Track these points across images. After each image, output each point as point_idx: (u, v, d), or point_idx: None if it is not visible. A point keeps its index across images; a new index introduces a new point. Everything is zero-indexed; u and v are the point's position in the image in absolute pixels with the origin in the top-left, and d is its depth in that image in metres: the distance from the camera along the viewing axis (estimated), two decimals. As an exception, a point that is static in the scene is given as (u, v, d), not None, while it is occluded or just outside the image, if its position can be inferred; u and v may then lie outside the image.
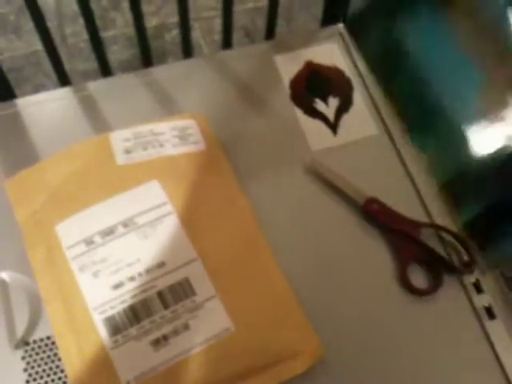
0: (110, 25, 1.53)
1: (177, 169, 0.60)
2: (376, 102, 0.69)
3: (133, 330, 0.52)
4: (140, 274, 0.54)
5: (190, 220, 0.57)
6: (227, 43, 0.84)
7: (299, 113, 0.68)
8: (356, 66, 0.71)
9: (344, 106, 0.68)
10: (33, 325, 0.55)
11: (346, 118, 0.67)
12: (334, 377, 0.55)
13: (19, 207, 0.59)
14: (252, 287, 0.56)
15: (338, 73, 0.70)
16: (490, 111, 0.32)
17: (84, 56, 1.42)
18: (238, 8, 1.52)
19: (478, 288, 0.58)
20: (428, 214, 0.62)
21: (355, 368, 0.56)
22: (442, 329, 0.57)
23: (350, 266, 0.60)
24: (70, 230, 0.56)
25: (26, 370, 0.53)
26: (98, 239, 0.55)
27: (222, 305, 0.54)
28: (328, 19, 0.79)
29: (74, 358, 0.52)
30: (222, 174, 0.62)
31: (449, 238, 0.60)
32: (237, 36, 1.38)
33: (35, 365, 0.53)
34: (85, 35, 0.78)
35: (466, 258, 0.59)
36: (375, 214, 0.61)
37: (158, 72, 0.70)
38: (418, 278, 0.59)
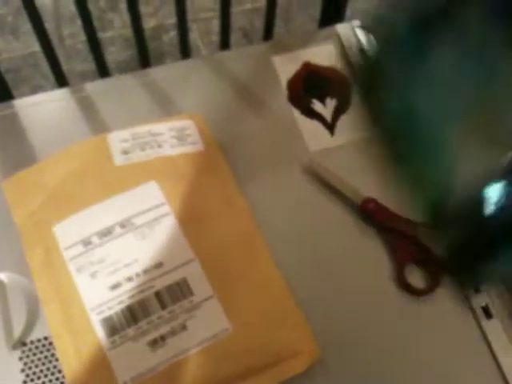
0: (107, 26, 1.53)
1: (175, 169, 0.60)
2: (373, 103, 0.69)
3: (130, 331, 0.52)
4: (138, 275, 0.54)
5: (187, 220, 0.57)
6: (225, 44, 0.84)
7: (297, 113, 0.68)
8: (354, 67, 0.71)
9: (341, 107, 0.68)
10: (30, 325, 0.55)
11: (343, 119, 0.67)
12: (333, 377, 0.55)
13: (17, 208, 0.59)
14: (250, 287, 0.56)
15: (335, 74, 0.70)
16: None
17: (82, 57, 1.42)
18: (235, 9, 1.52)
19: (475, 288, 0.58)
20: (425, 214, 0.62)
21: (353, 368, 0.56)
22: (440, 329, 0.58)
23: (348, 266, 0.60)
24: (68, 231, 0.56)
25: (23, 370, 0.53)
26: (95, 240, 0.55)
27: (220, 305, 0.54)
28: (326, 20, 0.79)
29: (71, 358, 0.52)
30: (219, 174, 0.62)
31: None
32: (235, 37, 1.38)
33: (32, 365, 0.53)
34: (82, 36, 0.78)
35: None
36: (372, 214, 0.61)
37: (156, 73, 0.70)
38: (416, 278, 0.59)
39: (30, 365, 0.53)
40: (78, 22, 0.76)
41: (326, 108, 0.68)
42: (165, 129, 0.62)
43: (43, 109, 0.67)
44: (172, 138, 0.62)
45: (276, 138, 0.66)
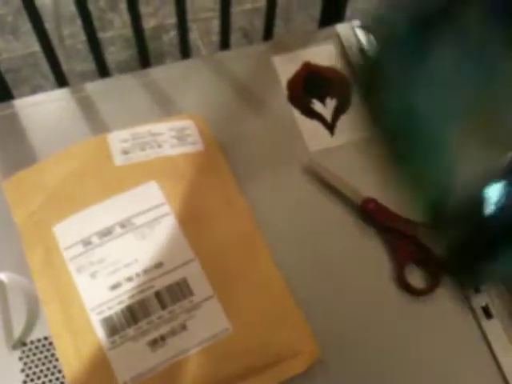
0: (107, 26, 1.53)
1: (175, 169, 0.60)
2: (373, 103, 0.69)
3: (130, 331, 0.52)
4: (138, 275, 0.54)
5: (187, 220, 0.57)
6: (225, 44, 0.84)
7: (297, 113, 0.68)
8: (353, 67, 0.71)
9: (341, 107, 0.68)
10: (30, 325, 0.55)
11: (343, 119, 0.67)
12: (333, 377, 0.55)
13: (17, 208, 0.59)
14: (250, 287, 0.56)
15: (335, 74, 0.70)
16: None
17: (82, 57, 1.42)
18: (235, 9, 1.52)
19: (475, 288, 0.59)
20: (425, 214, 0.62)
21: (353, 368, 0.56)
22: (440, 329, 0.57)
23: (348, 266, 0.60)
24: (68, 231, 0.56)
25: (23, 370, 0.53)
26: (95, 240, 0.55)
27: (220, 305, 0.54)
28: (326, 20, 0.79)
29: (71, 358, 0.52)
30: (219, 174, 0.62)
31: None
32: (235, 37, 1.38)
33: (32, 365, 0.53)
34: (82, 36, 0.78)
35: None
36: (372, 214, 0.61)
37: (156, 73, 0.70)
38: (416, 278, 0.59)
39: (30, 365, 0.53)
40: (78, 21, 0.76)
41: (326, 108, 0.68)
42: (165, 129, 0.62)
43: (43, 109, 0.67)
44: (172, 138, 0.62)
45: (276, 137, 0.66)
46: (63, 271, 0.54)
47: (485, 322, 0.57)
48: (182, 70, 0.70)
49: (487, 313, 0.58)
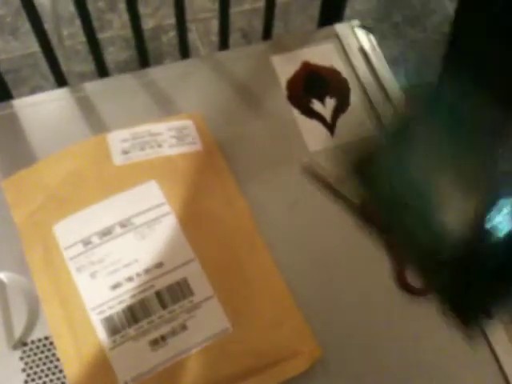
0: (106, 26, 1.53)
1: (174, 169, 0.60)
2: (373, 103, 0.69)
3: (131, 331, 0.52)
4: (138, 275, 0.54)
5: (187, 220, 0.57)
6: (224, 45, 0.84)
7: (296, 113, 0.68)
8: (353, 67, 0.71)
9: (341, 107, 0.68)
10: (31, 325, 0.55)
11: (343, 119, 0.68)
12: (333, 377, 0.55)
13: (17, 208, 0.59)
14: (249, 288, 0.56)
15: (334, 73, 0.71)
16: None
17: (81, 57, 1.42)
18: (234, 9, 1.52)
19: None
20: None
21: (354, 368, 0.56)
22: (440, 328, 0.57)
23: (348, 266, 0.60)
24: (68, 231, 0.56)
25: (24, 370, 0.53)
26: (95, 240, 0.55)
27: (220, 305, 0.54)
28: (325, 20, 0.79)
29: (72, 358, 0.52)
30: (219, 174, 0.62)
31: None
32: (234, 37, 1.38)
33: (33, 365, 0.53)
34: (82, 37, 0.78)
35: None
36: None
37: (155, 73, 0.70)
38: (416, 278, 0.59)
39: (30, 364, 0.53)
40: (77, 22, 0.76)
41: (325, 108, 0.68)
42: (164, 129, 0.62)
43: (43, 109, 0.67)
44: (171, 137, 0.62)
45: (275, 137, 0.66)
46: (63, 271, 0.54)
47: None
48: (181, 70, 0.70)
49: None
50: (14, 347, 0.54)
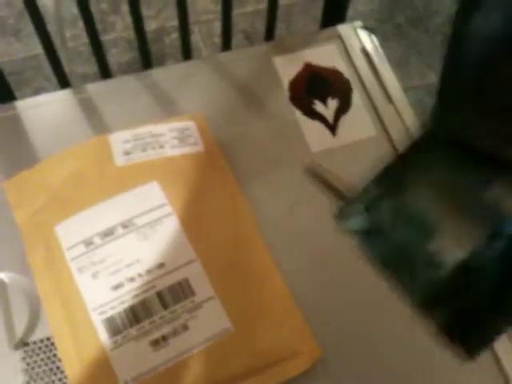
0: (109, 28, 1.53)
1: (176, 170, 0.60)
2: (375, 104, 0.69)
3: (132, 331, 0.52)
4: (139, 275, 0.54)
5: (189, 221, 0.57)
6: (227, 46, 0.85)
7: (298, 114, 0.68)
8: (355, 68, 0.71)
9: (343, 108, 0.68)
10: (32, 326, 0.55)
11: (344, 119, 0.68)
12: (333, 377, 0.55)
13: (19, 208, 0.59)
14: (250, 288, 0.56)
15: (337, 74, 0.71)
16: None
17: (84, 59, 1.43)
18: (237, 11, 1.53)
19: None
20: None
21: (354, 368, 0.56)
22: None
23: (349, 267, 0.60)
24: (70, 231, 0.56)
25: (25, 370, 0.53)
26: (97, 240, 0.55)
27: (221, 305, 0.54)
28: (327, 21, 0.79)
29: (73, 358, 0.52)
30: (221, 175, 0.62)
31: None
32: (236, 39, 1.38)
33: (35, 366, 0.53)
34: (85, 38, 0.78)
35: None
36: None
37: (158, 74, 0.70)
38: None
39: (32, 365, 0.53)
40: (80, 24, 0.76)
41: (327, 108, 0.68)
42: (166, 129, 0.62)
43: (45, 110, 0.67)
44: (173, 138, 0.62)
45: (277, 138, 0.66)
46: (65, 271, 0.55)
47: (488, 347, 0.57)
48: (184, 71, 0.70)
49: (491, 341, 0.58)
50: (16, 347, 0.54)
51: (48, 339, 0.54)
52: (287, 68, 0.71)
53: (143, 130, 0.62)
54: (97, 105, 0.67)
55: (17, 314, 0.55)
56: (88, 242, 0.55)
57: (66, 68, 0.82)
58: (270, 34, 0.84)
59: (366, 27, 0.74)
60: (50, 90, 0.69)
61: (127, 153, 0.60)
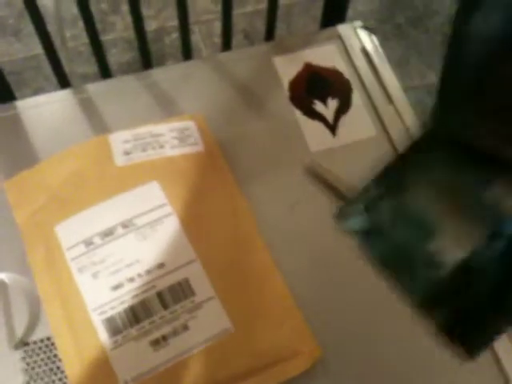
0: (109, 28, 1.53)
1: (176, 170, 0.60)
2: (375, 104, 0.69)
3: (132, 331, 0.52)
4: (139, 275, 0.54)
5: (189, 221, 0.57)
6: (227, 46, 0.85)
7: (298, 114, 0.68)
8: (355, 68, 0.71)
9: (343, 108, 0.68)
10: (32, 326, 0.55)
11: (344, 119, 0.68)
12: (333, 377, 0.55)
13: (19, 208, 0.59)
14: (250, 288, 0.56)
15: (336, 74, 0.71)
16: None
17: (84, 59, 1.43)
18: (237, 11, 1.52)
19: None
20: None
21: (354, 368, 0.56)
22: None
23: (349, 268, 0.60)
24: (70, 231, 0.56)
25: (25, 370, 0.53)
26: (97, 240, 0.55)
27: (221, 305, 0.54)
28: (327, 21, 0.79)
29: (73, 358, 0.52)
30: (221, 175, 0.62)
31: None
32: (236, 39, 1.38)
33: (35, 365, 0.53)
34: (85, 38, 0.78)
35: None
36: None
37: (158, 74, 0.70)
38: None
39: (32, 365, 0.53)
40: (80, 24, 0.76)
41: (327, 108, 0.68)
42: (166, 129, 0.62)
43: (45, 110, 0.67)
44: (173, 138, 0.62)
45: (277, 138, 0.66)
46: (65, 271, 0.55)
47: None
48: (184, 71, 0.70)
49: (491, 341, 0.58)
50: (16, 347, 0.54)
51: (48, 339, 0.54)
52: (287, 68, 0.71)
53: (143, 129, 0.62)
54: (97, 105, 0.67)
55: (17, 314, 0.55)
56: (88, 242, 0.55)
57: (66, 68, 0.82)
58: (270, 34, 0.84)
59: (365, 27, 0.74)
60: (49, 90, 0.69)
61: (127, 153, 0.60)
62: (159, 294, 0.53)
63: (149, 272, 0.54)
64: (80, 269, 0.54)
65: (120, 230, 0.56)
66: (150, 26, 1.52)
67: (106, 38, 1.50)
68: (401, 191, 0.43)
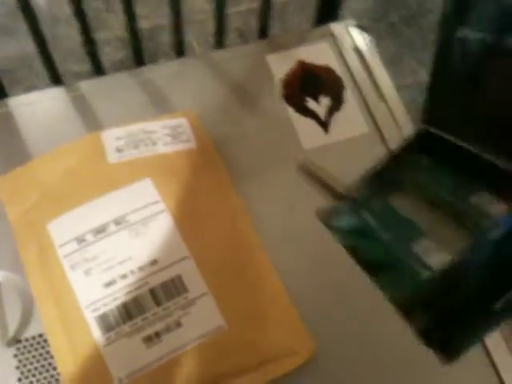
0: (103, 26, 1.53)
1: (169, 167, 0.60)
2: (367, 101, 0.69)
3: (125, 327, 0.52)
4: (132, 272, 0.54)
5: (182, 218, 0.57)
6: (220, 45, 0.85)
7: (291, 111, 0.68)
8: (347, 66, 0.71)
9: (335, 105, 0.68)
10: (25, 323, 0.55)
11: (337, 117, 0.68)
12: (329, 376, 0.55)
13: (11, 206, 0.59)
14: (244, 285, 0.56)
15: (329, 72, 0.71)
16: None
17: (77, 57, 1.42)
18: (231, 10, 1.52)
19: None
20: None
21: (351, 367, 0.56)
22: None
23: (344, 265, 0.60)
24: (62, 229, 0.56)
25: (18, 367, 0.53)
26: (89, 237, 0.55)
27: (215, 302, 0.54)
28: (321, 20, 0.79)
29: (66, 355, 0.52)
30: (214, 172, 0.62)
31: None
32: (230, 37, 1.38)
33: (27, 362, 0.53)
34: (78, 37, 0.78)
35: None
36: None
37: (151, 71, 0.70)
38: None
39: (24, 362, 0.53)
40: (74, 22, 0.76)
41: (320, 106, 0.68)
42: (158, 126, 0.62)
43: (38, 107, 0.67)
44: (166, 135, 0.62)
45: (270, 135, 0.66)
46: (57, 268, 0.54)
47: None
48: (177, 69, 0.70)
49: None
50: (8, 345, 0.54)
51: (40, 336, 0.54)
52: (280, 66, 0.71)
53: (136, 127, 0.62)
54: (90, 102, 0.67)
55: (10, 312, 0.55)
56: (80, 239, 0.55)
57: (59, 66, 0.82)
58: (263, 32, 0.84)
59: (358, 26, 0.74)
60: (42, 88, 0.69)
61: (120, 150, 0.60)
62: (152, 291, 0.53)
63: (141, 269, 0.54)
64: (72, 266, 0.54)
65: (113, 227, 0.56)
66: (144, 24, 1.52)
67: (99, 36, 1.50)
68: (390, 191, 0.43)
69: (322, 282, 0.59)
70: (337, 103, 0.68)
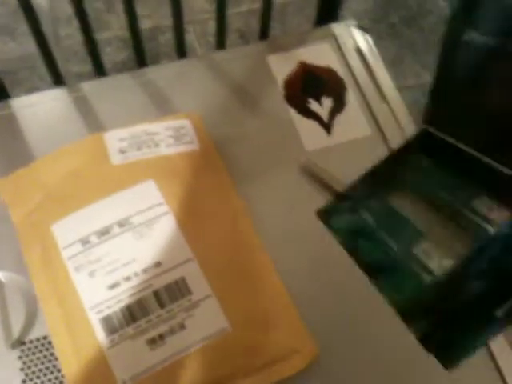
0: (104, 27, 1.53)
1: (172, 168, 0.60)
2: (369, 102, 0.69)
3: (129, 330, 0.52)
4: (136, 274, 0.54)
5: (185, 220, 0.57)
6: (221, 45, 0.85)
7: (293, 113, 0.68)
8: (349, 67, 0.71)
9: (337, 106, 0.68)
10: (29, 324, 0.55)
11: (339, 118, 0.68)
12: (331, 377, 0.55)
13: (15, 207, 0.59)
14: (247, 287, 0.56)
15: (331, 73, 0.71)
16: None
17: (79, 58, 1.42)
18: (232, 11, 1.53)
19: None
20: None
21: (352, 368, 0.56)
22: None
23: (346, 267, 0.60)
24: (66, 230, 0.56)
25: (22, 369, 0.53)
26: (94, 239, 0.55)
27: (218, 304, 0.54)
28: (321, 20, 0.79)
29: (70, 357, 0.52)
30: (216, 173, 0.62)
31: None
32: (231, 38, 1.38)
33: (32, 364, 0.53)
34: (79, 37, 0.78)
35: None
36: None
37: (153, 72, 0.70)
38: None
39: (29, 364, 0.53)
40: (75, 22, 0.76)
41: (322, 107, 0.68)
42: (161, 128, 0.62)
43: (39, 108, 0.67)
44: (168, 137, 0.62)
45: (272, 137, 0.66)
46: (61, 270, 0.54)
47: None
48: (179, 70, 0.70)
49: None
50: (13, 346, 0.54)
51: (45, 338, 0.54)
52: (282, 67, 0.71)
53: (138, 128, 0.62)
54: (92, 103, 0.67)
55: (14, 313, 0.55)
56: (84, 241, 0.55)
57: (61, 67, 0.82)
58: (264, 33, 0.84)
59: (359, 26, 0.74)
60: (44, 89, 0.69)
61: (122, 151, 0.60)
62: (156, 293, 0.53)
63: (145, 271, 0.54)
64: (77, 268, 0.54)
65: (116, 229, 0.56)
66: (145, 24, 1.52)
67: (100, 36, 1.50)
68: (390, 191, 0.43)
69: (322, 281, 0.59)
70: (339, 104, 0.68)
